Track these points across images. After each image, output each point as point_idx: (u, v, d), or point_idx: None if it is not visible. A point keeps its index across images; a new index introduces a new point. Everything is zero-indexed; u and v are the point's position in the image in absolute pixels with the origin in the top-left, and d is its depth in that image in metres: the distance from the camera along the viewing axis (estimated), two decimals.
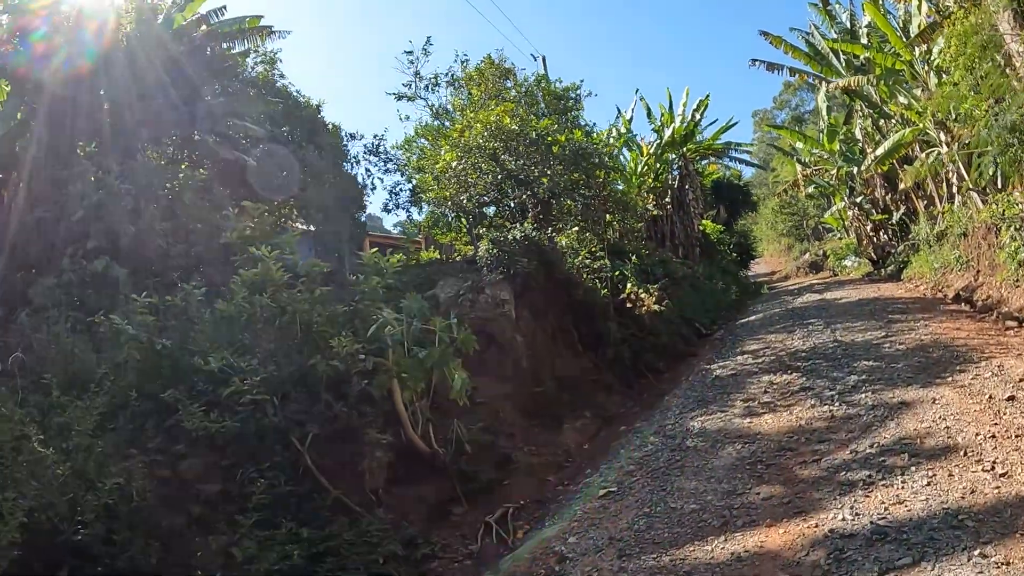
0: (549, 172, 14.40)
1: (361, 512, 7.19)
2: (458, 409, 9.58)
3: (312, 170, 19.32)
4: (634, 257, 17.26)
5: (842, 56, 25.86)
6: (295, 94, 24.24)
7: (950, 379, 9.15)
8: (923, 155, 23.52)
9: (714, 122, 45.60)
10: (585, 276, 15.73)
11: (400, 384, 8.52)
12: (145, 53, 16.19)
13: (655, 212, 27.17)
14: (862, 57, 25.71)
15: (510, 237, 14.52)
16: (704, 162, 32.66)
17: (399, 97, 18.65)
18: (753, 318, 20.41)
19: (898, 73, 23.09)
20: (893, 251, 26.72)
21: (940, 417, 7.65)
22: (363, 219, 24.20)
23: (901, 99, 23.11)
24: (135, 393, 7.21)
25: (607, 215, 15.93)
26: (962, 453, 6.53)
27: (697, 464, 8.06)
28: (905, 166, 25.67)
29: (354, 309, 9.15)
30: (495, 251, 14.05)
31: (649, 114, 28.74)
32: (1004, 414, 7.36)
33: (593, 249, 16.38)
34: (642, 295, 15.95)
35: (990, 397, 8.00)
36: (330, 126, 24.13)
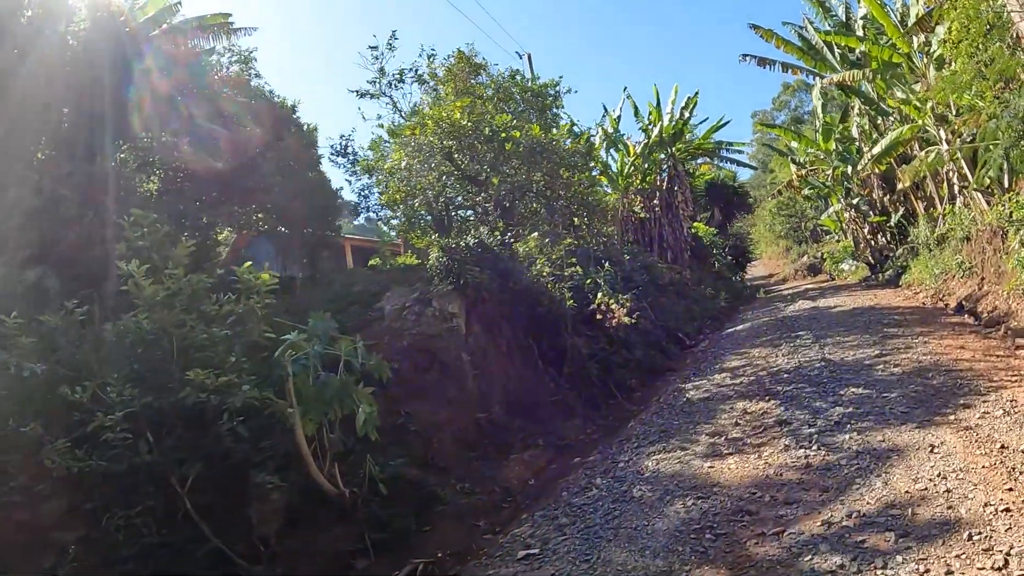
0: (504, 170, 12.71)
1: (244, 565, 6.07)
2: (386, 440, 8.27)
3: (283, 172, 17.82)
4: (607, 264, 15.50)
5: (837, 50, 24.14)
6: (268, 94, 22.75)
7: (952, 417, 7.44)
8: (922, 153, 21.76)
9: (704, 120, 43.86)
10: (550, 285, 14.03)
11: (303, 416, 6.89)
12: (102, 52, 14.77)
13: (643, 215, 25.46)
14: (857, 51, 23.98)
15: (462, 243, 12.93)
16: (696, 162, 30.91)
17: (361, 94, 17.03)
18: (741, 327, 18.68)
19: (896, 67, 21.40)
20: (891, 255, 24.94)
21: (939, 474, 5.96)
22: (338, 223, 22.61)
23: (899, 94, 21.36)
24: None
25: (575, 219, 14.21)
26: (965, 535, 4.86)
27: (637, 525, 6.41)
28: (903, 165, 23.92)
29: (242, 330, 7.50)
30: (444, 259, 12.48)
31: (636, 112, 27.06)
32: (1021, 475, 5.62)
33: (556, 255, 14.70)
34: (612, 306, 14.25)
35: (1002, 447, 6.30)
36: (306, 127, 22.66)
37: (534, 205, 13.86)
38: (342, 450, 7.82)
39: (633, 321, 13.91)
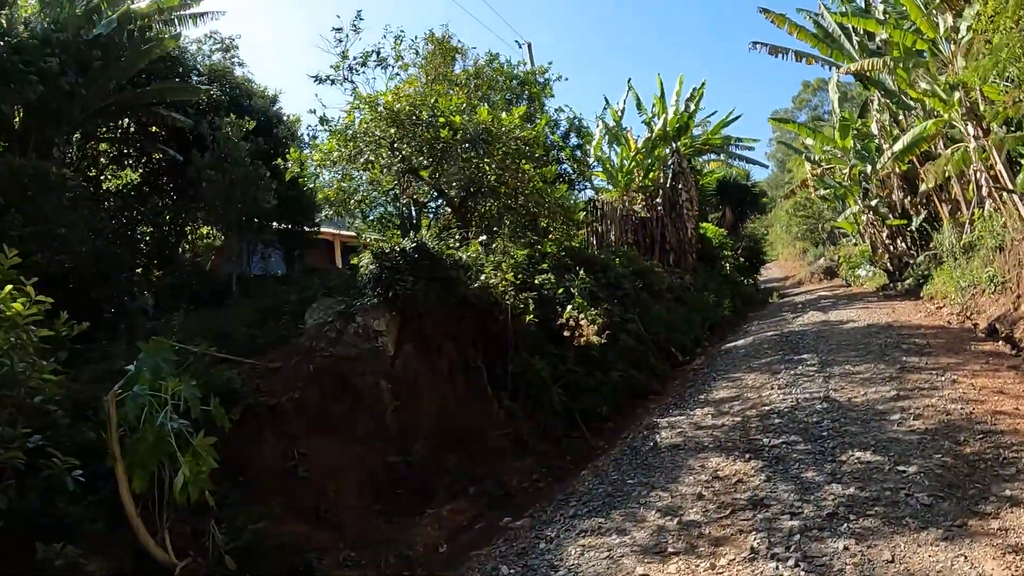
0: (449, 163, 10.32)
1: None
2: (271, 489, 7.11)
3: (260, 165, 15.73)
4: (581, 271, 13.07)
5: (855, 38, 21.35)
6: (245, 83, 20.66)
7: (995, 524, 5.01)
8: (947, 152, 18.93)
9: (713, 114, 41.04)
10: (508, 297, 11.64)
11: (129, 471, 5.34)
12: (58, 38, 12.77)
13: (644, 214, 22.89)
14: (878, 40, 21.21)
15: (397, 248, 10.61)
16: (703, 159, 28.20)
17: (319, 80, 14.72)
18: (741, 342, 16.13)
19: (919, 54, 18.61)
20: (912, 262, 22.11)
21: None
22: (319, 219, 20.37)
23: (923, 85, 18.55)
24: None
25: (542, 220, 11.78)
26: None
27: None
28: (927, 164, 21.09)
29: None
30: (374, 266, 10.16)
31: (639, 105, 24.47)
32: None
33: (507, 263, 12.31)
34: (582, 320, 11.82)
35: None
36: (287, 117, 20.53)
37: (488, 203, 11.41)
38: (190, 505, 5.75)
39: (602, 341, 11.43)
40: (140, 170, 17.40)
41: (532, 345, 11.79)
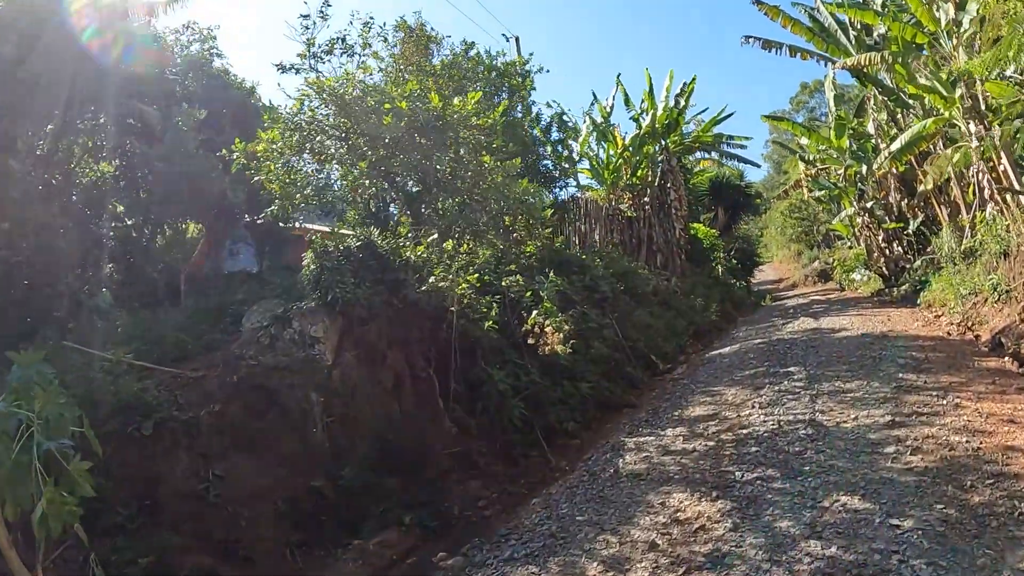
0: (400, 156, 9.11)
1: None
2: (181, 514, 6.24)
3: (211, 156, 14.59)
4: (551, 272, 11.88)
5: (851, 32, 20.15)
6: (222, 74, 19.58)
7: None
8: (948, 151, 17.73)
9: (704, 111, 39.60)
10: (471, 300, 10.49)
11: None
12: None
13: (630, 213, 21.68)
14: (875, 34, 20.08)
15: (341, 246, 9.47)
16: (693, 157, 26.96)
17: (283, 69, 13.50)
18: (727, 350, 14.93)
19: (919, 48, 17.40)
20: (908, 267, 20.90)
21: None
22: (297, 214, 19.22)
23: (923, 80, 17.34)
24: None
25: (506, 217, 10.59)
26: None
27: None
28: (925, 166, 19.89)
29: None
30: (315, 267, 9.00)
31: (627, 100, 23.21)
32: None
33: (458, 263, 11.14)
34: (547, 327, 10.63)
35: None
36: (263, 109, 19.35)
37: (445, 199, 10.20)
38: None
39: (568, 350, 10.25)
40: (115, 162, 16.29)
41: (493, 354, 10.64)
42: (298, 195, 10.05)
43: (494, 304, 11.19)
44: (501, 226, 10.65)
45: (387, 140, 9.53)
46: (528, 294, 11.91)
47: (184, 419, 7.05)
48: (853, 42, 20.29)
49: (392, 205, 11.74)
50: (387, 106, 9.31)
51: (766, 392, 9.97)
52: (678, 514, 6.13)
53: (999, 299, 12.21)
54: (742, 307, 25.95)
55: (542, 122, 18.94)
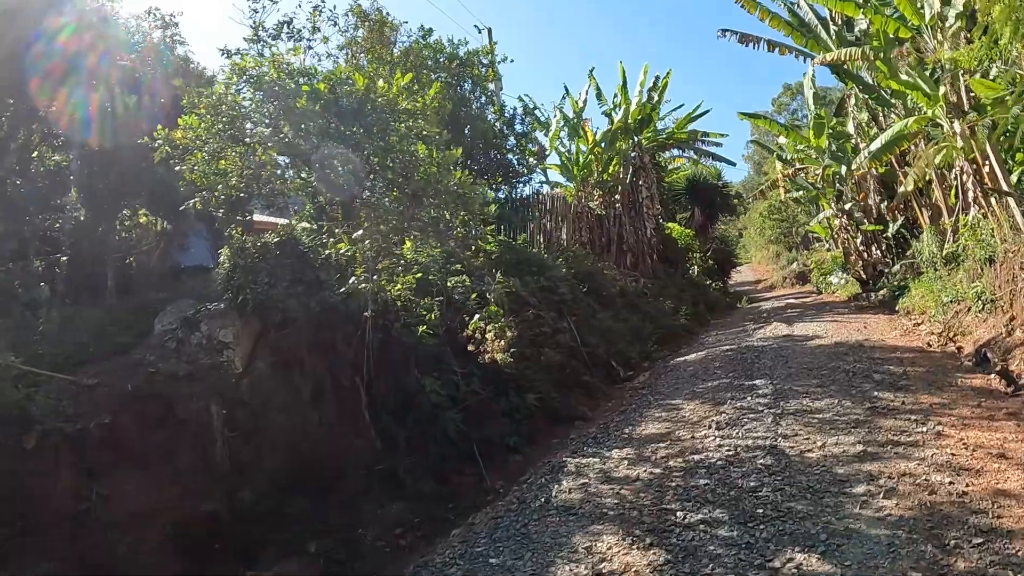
0: (328, 144, 7.86)
1: None
2: (61, 537, 5.47)
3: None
4: (506, 273, 10.71)
5: (832, 27, 19.04)
6: (183, 63, 18.16)
7: None
8: (931, 150, 16.67)
9: (679, 107, 38.38)
10: (406, 303, 9.30)
11: None
12: None
13: (600, 211, 20.51)
14: (857, 30, 18.90)
15: (258, 243, 8.24)
16: (667, 155, 25.81)
17: (228, 54, 12.27)
18: (693, 357, 13.77)
19: (901, 44, 16.30)
20: (887, 271, 19.86)
21: None
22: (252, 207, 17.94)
23: (905, 77, 16.25)
24: None
25: (445, 213, 9.36)
26: None
27: None
28: (906, 167, 18.84)
29: None
30: (228, 265, 7.78)
31: (599, 95, 22.03)
32: None
33: (417, 260, 9.98)
34: (488, 333, 9.45)
35: None
36: None
37: (376, 192, 8.96)
38: None
39: (508, 358, 9.07)
40: (71, 153, 14.98)
41: (430, 361, 9.42)
42: (220, 186, 8.76)
43: (435, 307, 10.02)
44: (442, 222, 9.39)
45: (310, 127, 8.27)
46: (474, 296, 10.72)
47: (70, 431, 6.16)
48: (834, 37, 19.18)
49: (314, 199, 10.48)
50: (305, 88, 8.05)
51: (727, 409, 8.81)
52: (603, 565, 4.98)
53: (983, 308, 11.14)
54: (716, 309, 24.83)
55: (506, 114, 17.67)
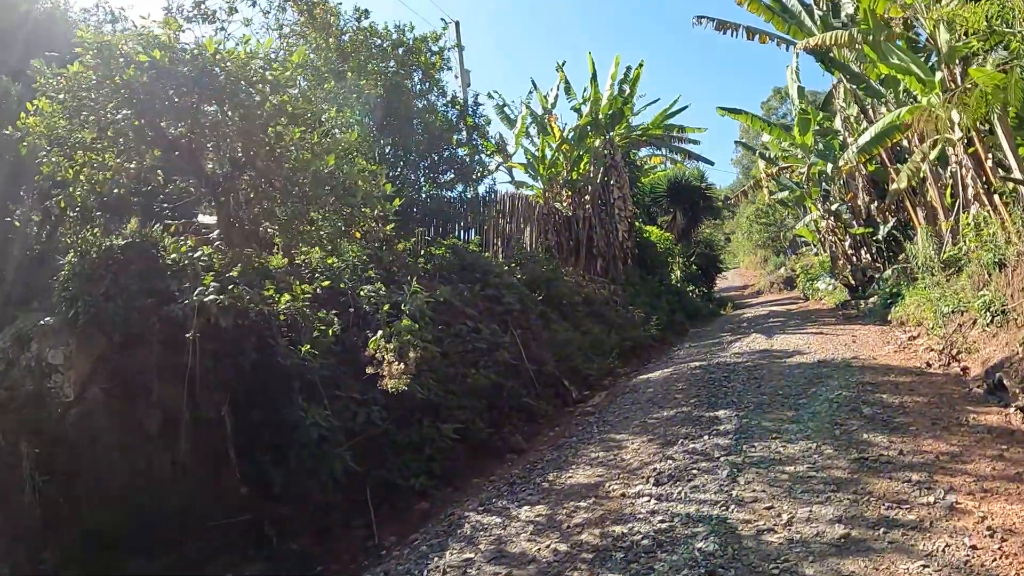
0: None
1: None
2: None
3: None
4: (414, 280, 8.66)
5: (816, 12, 17.00)
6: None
7: None
8: (926, 144, 14.65)
9: (655, 102, 36.45)
10: (294, 318, 7.24)
11: None
12: None
13: (568, 213, 18.43)
14: (843, 14, 16.87)
15: (103, 246, 6.17)
16: (644, 153, 23.77)
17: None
18: (657, 375, 11.73)
19: (890, 26, 14.29)
20: (877, 276, 17.77)
21: None
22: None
23: (896, 60, 14.22)
24: None
25: (348, 209, 7.29)
26: None
27: None
28: (898, 164, 16.80)
29: None
30: (66, 271, 5.72)
31: (568, 89, 19.97)
32: None
33: (317, 264, 7.96)
34: (387, 355, 7.37)
35: None
36: None
37: (245, 183, 6.87)
38: None
39: (402, 386, 7.00)
40: None
41: (321, 387, 7.35)
42: (84, 183, 6.70)
43: (336, 321, 8.00)
44: (326, 220, 7.33)
45: (161, 104, 6.22)
46: (386, 308, 8.65)
47: None
48: (818, 23, 17.14)
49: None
50: (143, 58, 6.00)
51: (676, 453, 6.73)
52: None
53: (992, 321, 9.05)
54: (697, 317, 22.73)
55: (459, 105, 15.53)
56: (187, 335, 6.09)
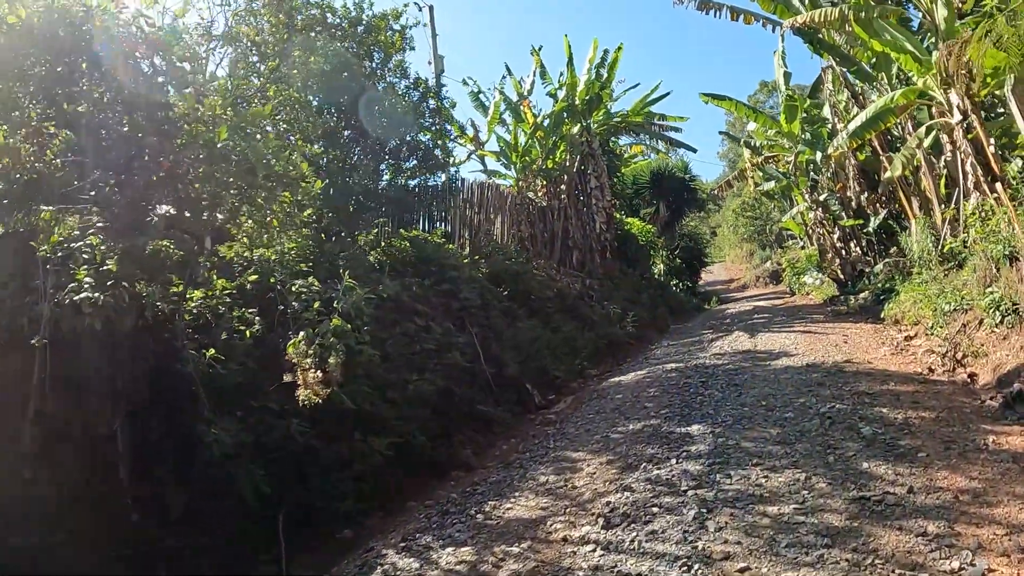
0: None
1: None
2: None
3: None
4: (347, 274, 7.39)
5: None
6: None
7: None
8: (922, 129, 13.50)
9: (635, 86, 34.87)
10: (204, 318, 5.95)
11: None
12: None
13: (543, 203, 17.15)
14: None
15: None
16: (625, 141, 22.50)
17: None
18: (630, 378, 10.52)
19: (884, 1, 13.16)
20: (868, 270, 16.59)
21: None
22: None
23: (888, 36, 13.03)
24: None
25: (255, 192, 5.99)
26: None
27: None
28: (890, 153, 15.61)
29: None
30: None
31: (544, 73, 18.66)
32: None
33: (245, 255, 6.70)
34: (307, 361, 6.11)
35: None
36: None
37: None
38: None
39: (317, 398, 5.75)
40: None
41: (234, 396, 6.13)
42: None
43: (257, 320, 6.79)
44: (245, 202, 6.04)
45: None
46: (316, 305, 7.42)
47: None
48: (807, 3, 15.88)
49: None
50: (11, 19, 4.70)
51: (636, 481, 5.50)
52: None
53: (1002, 322, 7.88)
54: (680, 313, 21.58)
55: (423, 87, 14.15)
56: (66, 337, 4.86)
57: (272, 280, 7.58)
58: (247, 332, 6.72)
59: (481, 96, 19.13)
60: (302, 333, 6.73)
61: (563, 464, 6.56)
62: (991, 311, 8.14)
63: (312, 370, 6.30)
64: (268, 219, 6.75)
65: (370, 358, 7.53)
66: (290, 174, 6.52)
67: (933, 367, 8.21)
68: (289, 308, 7.34)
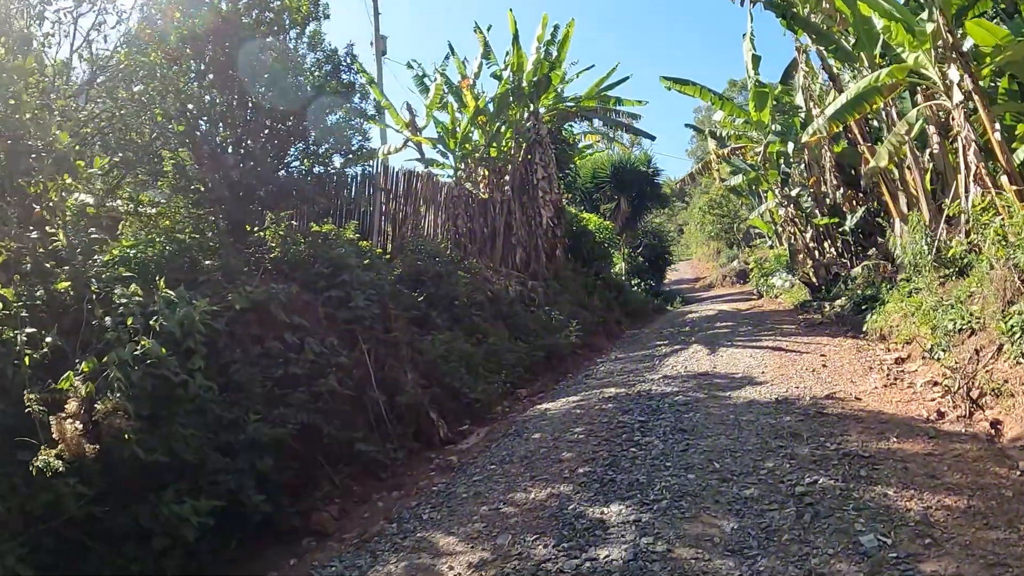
0: None
1: None
2: None
3: None
4: (161, 281, 5.07)
5: None
6: None
7: None
8: (912, 113, 11.47)
9: (590, 67, 33.08)
10: None
11: None
12: None
13: (484, 195, 14.86)
14: None
15: None
16: (579, 129, 20.25)
17: None
18: (559, 405, 8.28)
19: None
20: (844, 274, 14.52)
21: None
22: None
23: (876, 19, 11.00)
24: None
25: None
26: None
27: None
28: (871, 143, 13.54)
29: None
30: None
31: (488, 54, 16.33)
32: None
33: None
34: (72, 405, 3.75)
35: None
36: None
37: None
38: None
39: (60, 467, 3.42)
40: None
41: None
42: None
43: (46, 343, 4.57)
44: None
45: None
46: (129, 321, 5.17)
47: None
48: None
49: None
50: None
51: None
52: None
53: None
54: (638, 315, 19.47)
55: (333, 62, 11.71)
56: None
57: (93, 288, 5.36)
58: (25, 360, 4.49)
59: (426, 80, 16.80)
60: (82, 364, 4.58)
61: (419, 560, 4.31)
62: (1016, 336, 6.01)
63: (71, 419, 4.09)
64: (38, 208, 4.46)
65: (199, 392, 5.30)
66: (56, 149, 4.22)
67: (942, 409, 6.07)
68: (101, 324, 5.16)
